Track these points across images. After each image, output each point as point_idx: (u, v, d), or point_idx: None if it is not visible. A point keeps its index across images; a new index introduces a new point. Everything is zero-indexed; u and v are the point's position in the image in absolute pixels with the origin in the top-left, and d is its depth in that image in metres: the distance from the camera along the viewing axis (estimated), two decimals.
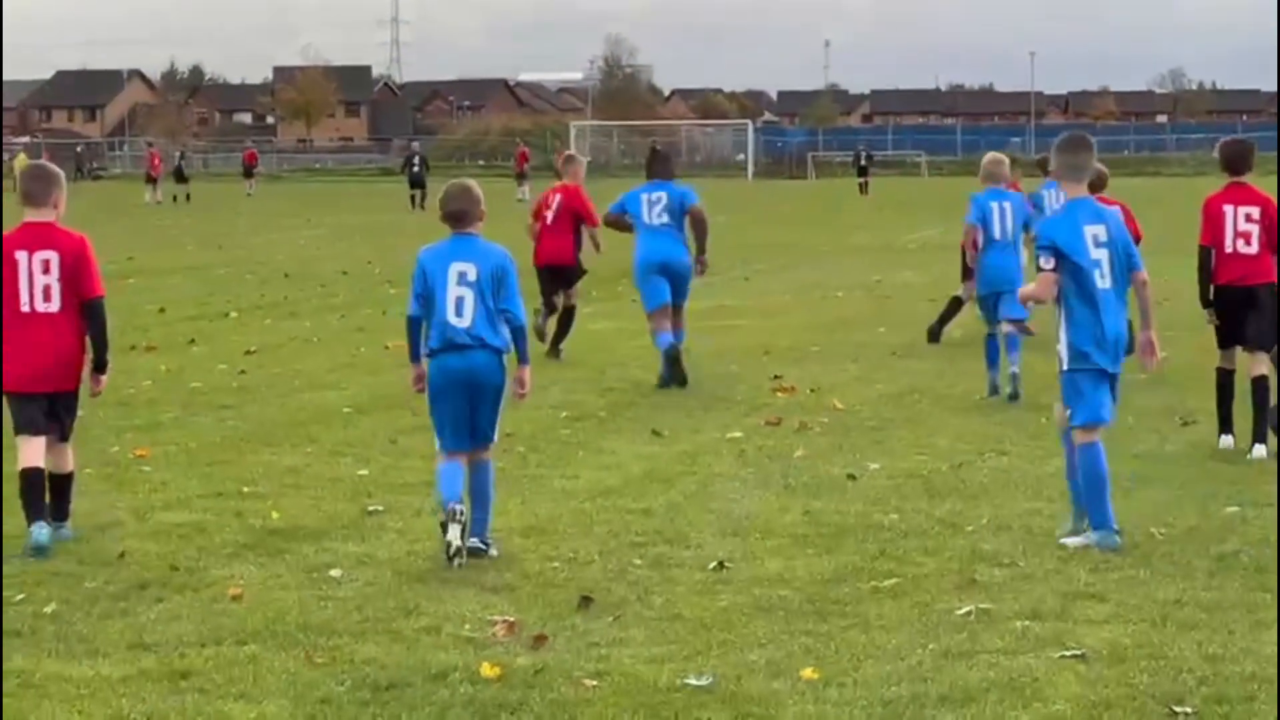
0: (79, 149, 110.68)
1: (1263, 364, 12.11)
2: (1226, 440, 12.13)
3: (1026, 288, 9.87)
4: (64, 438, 9.56)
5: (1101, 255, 9.24)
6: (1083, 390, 9.27)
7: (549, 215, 18.00)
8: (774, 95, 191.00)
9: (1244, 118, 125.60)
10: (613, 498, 10.59)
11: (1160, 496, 10.49)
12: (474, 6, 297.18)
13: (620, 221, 16.22)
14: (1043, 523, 9.59)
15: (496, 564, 8.88)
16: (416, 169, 59.95)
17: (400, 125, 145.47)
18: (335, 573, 8.70)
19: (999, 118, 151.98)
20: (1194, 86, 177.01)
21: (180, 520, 9.97)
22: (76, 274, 9.34)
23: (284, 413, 14.29)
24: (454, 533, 8.83)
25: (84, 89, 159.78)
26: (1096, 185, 17.37)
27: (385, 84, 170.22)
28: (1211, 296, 12.10)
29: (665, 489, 10.90)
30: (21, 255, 9.32)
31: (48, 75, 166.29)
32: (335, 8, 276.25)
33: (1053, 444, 11.11)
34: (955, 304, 18.95)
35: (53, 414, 9.42)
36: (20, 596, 8.23)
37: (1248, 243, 12.00)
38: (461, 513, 8.87)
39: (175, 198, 66.16)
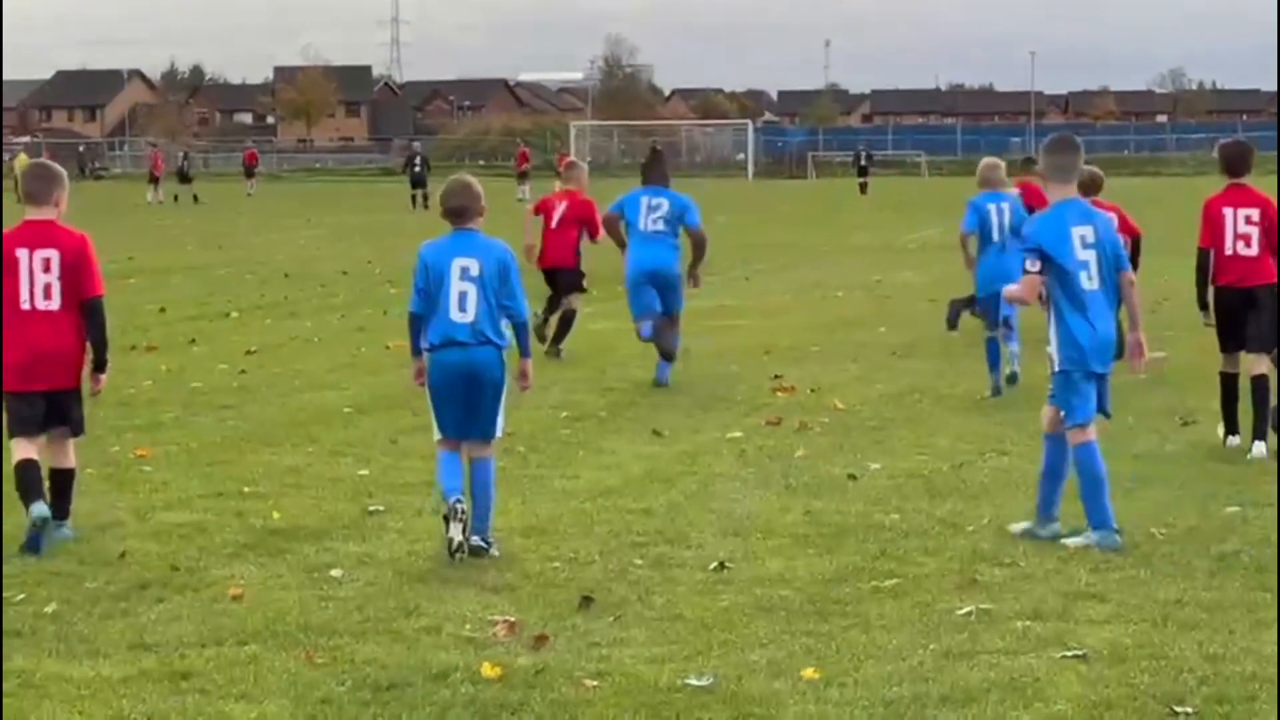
0: (81, 149, 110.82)
1: (1263, 364, 12.12)
2: (1233, 440, 12.13)
3: (1010, 287, 9.93)
4: (75, 432, 9.59)
5: (1089, 256, 9.27)
6: (1077, 390, 9.29)
7: (555, 220, 18.13)
8: (774, 95, 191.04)
9: (1244, 117, 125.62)
10: (613, 498, 10.60)
11: (1161, 496, 10.49)
12: (474, 6, 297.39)
13: (616, 229, 16.19)
14: None
15: (497, 564, 8.88)
16: (418, 169, 59.99)
17: (400, 125, 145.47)
18: (336, 573, 8.70)
19: (999, 117, 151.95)
20: (1194, 86, 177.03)
21: (181, 520, 9.97)
22: (77, 273, 9.36)
23: (284, 413, 14.29)
24: (455, 530, 8.85)
25: (84, 89, 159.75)
26: (1090, 188, 17.48)
27: (385, 84, 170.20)
28: (1211, 298, 12.13)
29: (666, 489, 10.90)
30: (22, 253, 9.33)
31: (48, 75, 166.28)
32: (335, 8, 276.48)
33: None
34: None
35: (53, 412, 9.43)
36: (21, 596, 8.23)
37: (1247, 245, 12.02)
38: (463, 510, 8.88)
39: (176, 197, 66.18)
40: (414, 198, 58.11)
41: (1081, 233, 9.29)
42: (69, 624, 7.78)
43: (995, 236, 14.97)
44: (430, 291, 9.14)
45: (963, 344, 18.03)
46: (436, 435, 9.29)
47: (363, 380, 16.24)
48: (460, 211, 9.24)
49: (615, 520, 9.94)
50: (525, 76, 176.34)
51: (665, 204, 15.66)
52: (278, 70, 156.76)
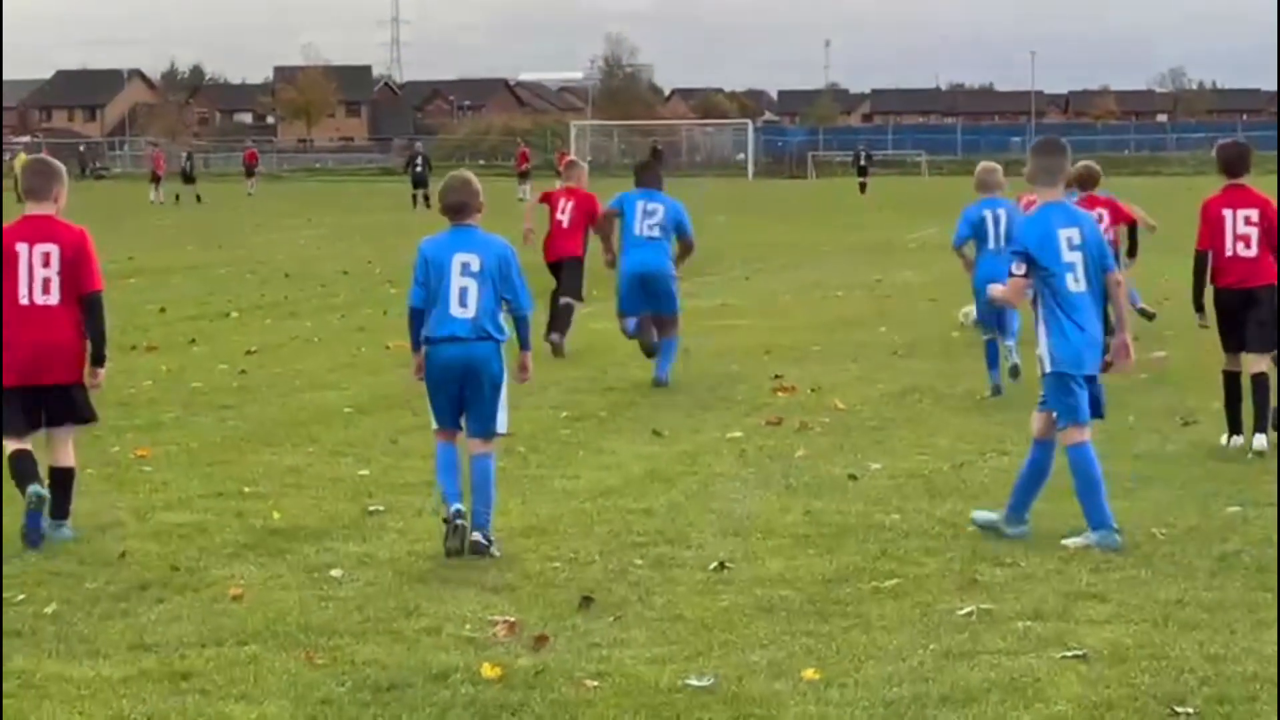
0: (82, 148, 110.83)
1: (1263, 362, 12.13)
2: (1236, 440, 12.12)
3: (996, 289, 9.94)
4: (85, 419, 9.63)
5: (1075, 258, 9.31)
6: (1069, 391, 9.30)
7: (564, 218, 18.50)
8: (774, 95, 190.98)
9: (1244, 117, 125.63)
10: (613, 498, 10.59)
11: (1161, 496, 10.49)
12: (474, 6, 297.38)
13: (609, 226, 16.54)
14: (1044, 523, 9.57)
15: (497, 564, 8.88)
16: (420, 169, 60.07)
17: (400, 125, 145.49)
18: (336, 573, 8.69)
19: (999, 117, 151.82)
20: (1194, 86, 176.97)
21: (181, 520, 9.97)
22: (76, 267, 9.41)
23: (285, 413, 14.29)
24: (453, 542, 8.96)
25: (84, 89, 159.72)
26: (1088, 182, 17.55)
27: (385, 84, 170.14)
28: (1213, 299, 12.15)
29: (666, 489, 10.90)
30: (22, 248, 9.38)
31: (48, 75, 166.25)
32: (335, 8, 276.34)
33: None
34: None
35: (54, 408, 9.46)
36: (21, 597, 8.23)
37: (1247, 246, 12.03)
38: (461, 523, 8.98)
39: (178, 197, 66.20)
40: (415, 197, 58.15)
41: (1068, 235, 9.32)
42: (69, 624, 7.77)
43: (992, 244, 14.96)
44: (430, 287, 9.20)
45: (963, 344, 18.04)
46: (434, 424, 9.40)
47: (363, 380, 16.24)
48: (460, 208, 9.31)
49: (615, 520, 9.94)
50: (525, 76, 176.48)
51: (660, 210, 15.92)
52: (278, 70, 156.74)
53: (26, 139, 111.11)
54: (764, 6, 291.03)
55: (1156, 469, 11.43)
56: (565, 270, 18.47)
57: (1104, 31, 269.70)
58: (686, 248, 16.12)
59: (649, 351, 15.98)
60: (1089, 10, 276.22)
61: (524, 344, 9.56)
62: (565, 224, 18.48)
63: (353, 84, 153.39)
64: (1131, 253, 17.84)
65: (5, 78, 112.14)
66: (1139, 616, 7.80)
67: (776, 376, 16.09)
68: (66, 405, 9.51)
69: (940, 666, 7.06)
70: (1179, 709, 6.49)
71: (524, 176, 66.77)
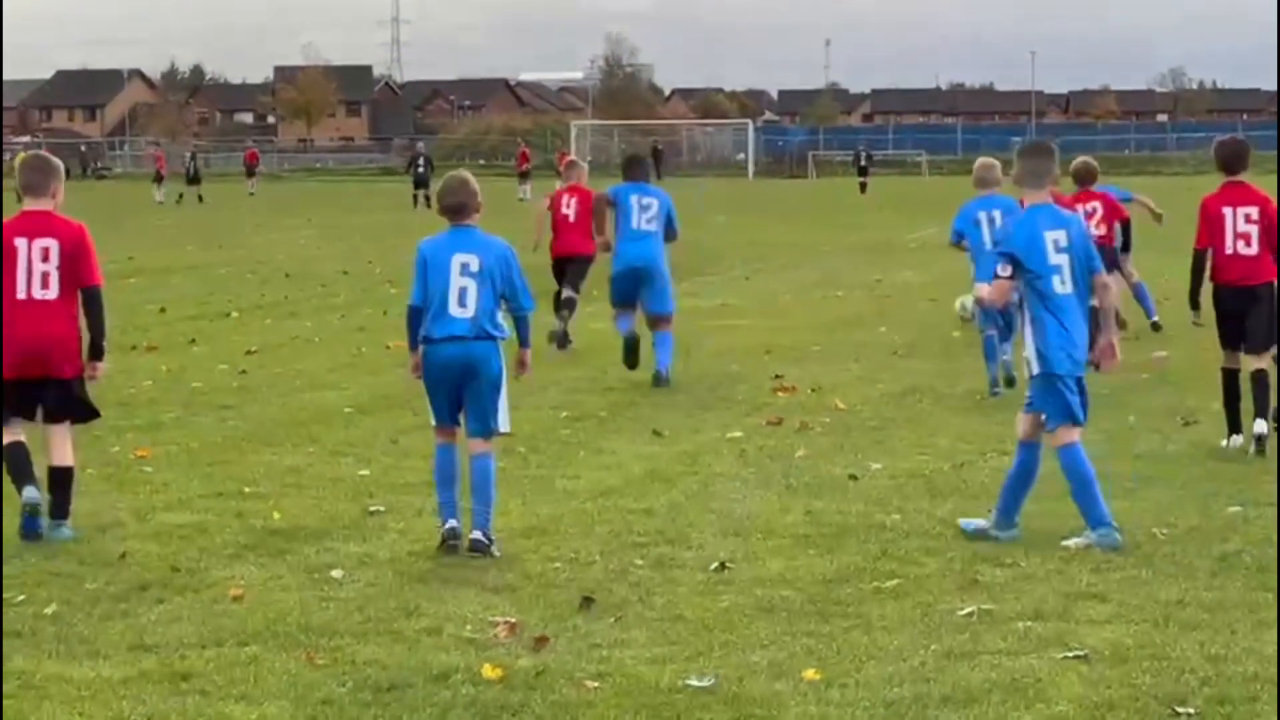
0: (83, 148, 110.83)
1: (1263, 360, 12.12)
2: (1236, 440, 12.11)
3: (982, 290, 9.94)
4: (84, 417, 9.66)
5: (1062, 260, 9.32)
6: (1057, 393, 9.30)
7: (569, 212, 19.07)
8: (774, 94, 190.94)
9: (1244, 116, 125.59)
10: (614, 498, 10.59)
11: (1162, 496, 10.48)
12: (474, 6, 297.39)
13: (603, 212, 17.02)
14: (1044, 523, 9.57)
15: (498, 564, 8.87)
16: (422, 169, 60.19)
17: (401, 125, 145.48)
18: (336, 573, 8.69)
19: (999, 117, 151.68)
20: (1194, 85, 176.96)
21: (181, 521, 9.97)
22: (76, 262, 9.48)
23: (285, 413, 14.28)
24: (448, 560, 8.97)
25: (84, 89, 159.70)
26: (1086, 178, 17.59)
27: (386, 84, 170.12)
28: (1212, 297, 12.14)
29: (666, 489, 10.90)
30: (21, 242, 9.42)
31: (48, 75, 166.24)
32: (335, 8, 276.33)
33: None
34: None
35: (51, 403, 9.48)
36: (21, 597, 8.22)
37: (1247, 244, 12.02)
38: (455, 543, 9.06)
39: (181, 196, 66.19)
40: (415, 197, 58.19)
41: (1054, 237, 9.34)
42: (69, 625, 7.77)
43: (987, 245, 14.93)
44: (430, 287, 9.23)
45: (963, 344, 18.02)
46: (433, 421, 9.43)
47: (363, 380, 16.24)
48: (458, 209, 9.37)
49: (616, 520, 9.93)
50: (525, 76, 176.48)
51: (655, 204, 16.33)
52: (278, 70, 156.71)
53: (26, 139, 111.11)
54: (764, 6, 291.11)
55: (1157, 469, 11.43)
56: (573, 266, 18.89)
57: (1104, 31, 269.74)
58: (672, 237, 16.51)
59: (631, 363, 16.16)
60: (1089, 10, 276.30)
61: (523, 341, 9.60)
62: (571, 218, 18.99)
63: (353, 84, 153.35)
64: (1125, 248, 17.85)
65: (5, 78, 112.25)
66: (1140, 617, 7.79)
67: (777, 376, 16.09)
68: (64, 401, 9.54)
69: (941, 667, 7.06)
70: (1180, 709, 6.49)
71: (524, 176, 66.85)
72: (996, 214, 14.99)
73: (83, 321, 9.58)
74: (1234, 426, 12.17)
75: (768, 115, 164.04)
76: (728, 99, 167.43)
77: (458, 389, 9.26)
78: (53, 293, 9.41)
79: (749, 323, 21.37)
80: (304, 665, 7.12)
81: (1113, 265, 16.02)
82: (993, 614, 7.84)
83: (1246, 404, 12.06)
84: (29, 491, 9.25)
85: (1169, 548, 9.13)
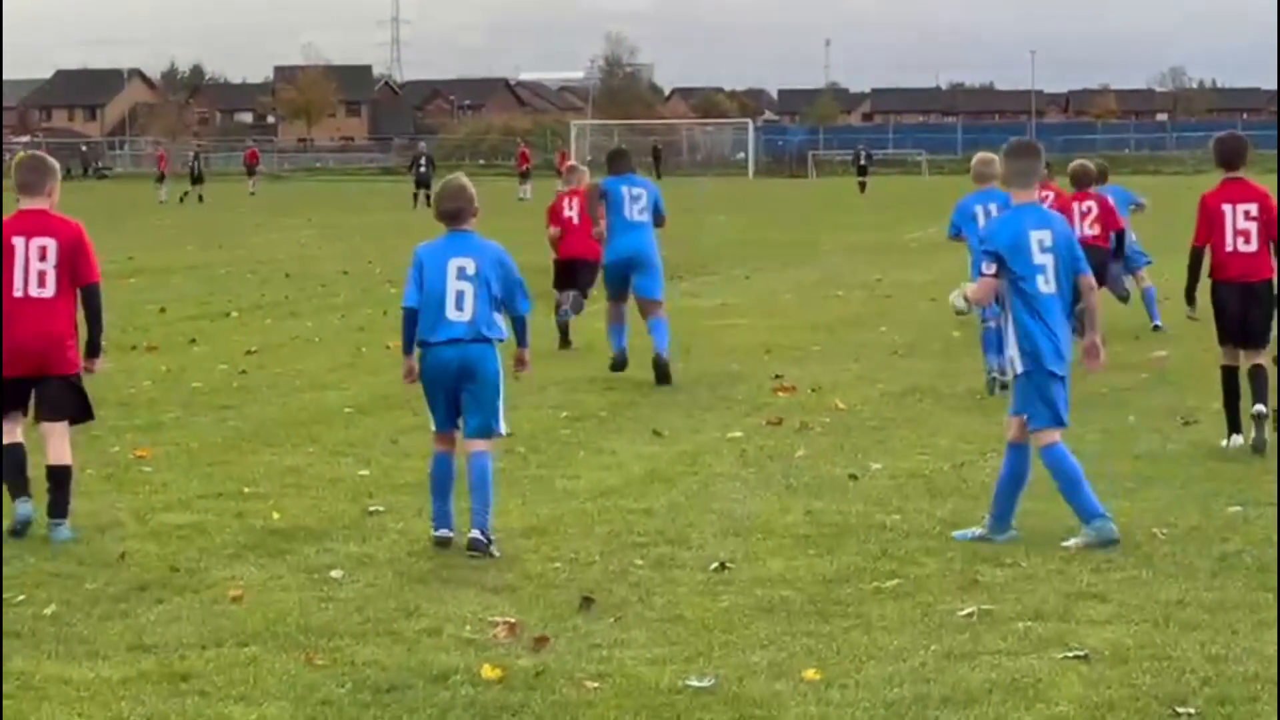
0: (83, 148, 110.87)
1: (1262, 356, 12.12)
2: (1236, 440, 12.10)
3: (969, 289, 9.95)
4: (80, 418, 9.70)
5: (1046, 260, 9.33)
6: (1040, 394, 9.30)
7: (573, 214, 19.26)
8: (774, 94, 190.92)
9: (1244, 116, 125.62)
10: (614, 498, 10.59)
11: (1162, 496, 10.48)
12: (474, 6, 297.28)
13: (596, 201, 17.01)
14: (1044, 523, 9.57)
15: (497, 565, 8.87)
16: (424, 169, 60.32)
17: (401, 125, 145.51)
18: (336, 574, 8.69)
19: (999, 116, 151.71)
20: (1194, 85, 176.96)
21: (181, 521, 9.96)
22: (74, 260, 9.52)
23: (285, 413, 14.28)
24: (448, 556, 9.01)
25: (84, 89, 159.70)
26: (1083, 181, 17.60)
27: (386, 83, 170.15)
28: (1211, 294, 12.13)
29: (666, 489, 10.89)
30: (18, 241, 9.46)
31: (48, 75, 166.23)
32: (335, 8, 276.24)
33: None
34: None
35: (47, 401, 9.50)
36: (20, 598, 8.22)
37: (1247, 241, 12.02)
38: (449, 545, 9.11)
39: (184, 195, 66.20)
40: (416, 196, 58.27)
41: (1039, 237, 9.35)
42: (68, 625, 7.76)
43: None
44: (427, 290, 9.26)
45: (963, 344, 18.02)
46: (432, 427, 9.46)
47: (363, 380, 16.23)
48: (455, 214, 9.43)
49: (616, 521, 9.93)
50: (525, 76, 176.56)
51: (644, 193, 16.64)
52: (278, 70, 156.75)
53: (26, 139, 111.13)
54: (764, 6, 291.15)
55: (1157, 469, 11.42)
56: (583, 273, 19.01)
57: (1104, 31, 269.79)
58: (660, 223, 16.76)
59: (619, 365, 16.31)
60: (1089, 10, 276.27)
61: (521, 341, 9.65)
62: (576, 220, 19.13)
63: (353, 84, 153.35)
64: (1116, 255, 17.86)
65: (5, 78, 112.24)
66: (1140, 617, 7.79)
67: (777, 376, 16.08)
68: (62, 399, 9.55)
69: (941, 667, 7.06)
70: (1180, 709, 6.48)
71: (524, 176, 66.97)
72: (994, 208, 14.98)
73: (81, 319, 9.61)
74: (1234, 426, 12.16)
75: (767, 115, 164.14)
76: (727, 99, 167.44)
77: (456, 392, 9.29)
78: (50, 291, 9.44)
79: (749, 322, 21.37)
80: (303, 666, 7.12)
81: (1102, 267, 16.00)
82: (993, 614, 7.84)
83: (1246, 403, 12.05)
84: (22, 508, 9.32)
85: (1169, 548, 9.12)
